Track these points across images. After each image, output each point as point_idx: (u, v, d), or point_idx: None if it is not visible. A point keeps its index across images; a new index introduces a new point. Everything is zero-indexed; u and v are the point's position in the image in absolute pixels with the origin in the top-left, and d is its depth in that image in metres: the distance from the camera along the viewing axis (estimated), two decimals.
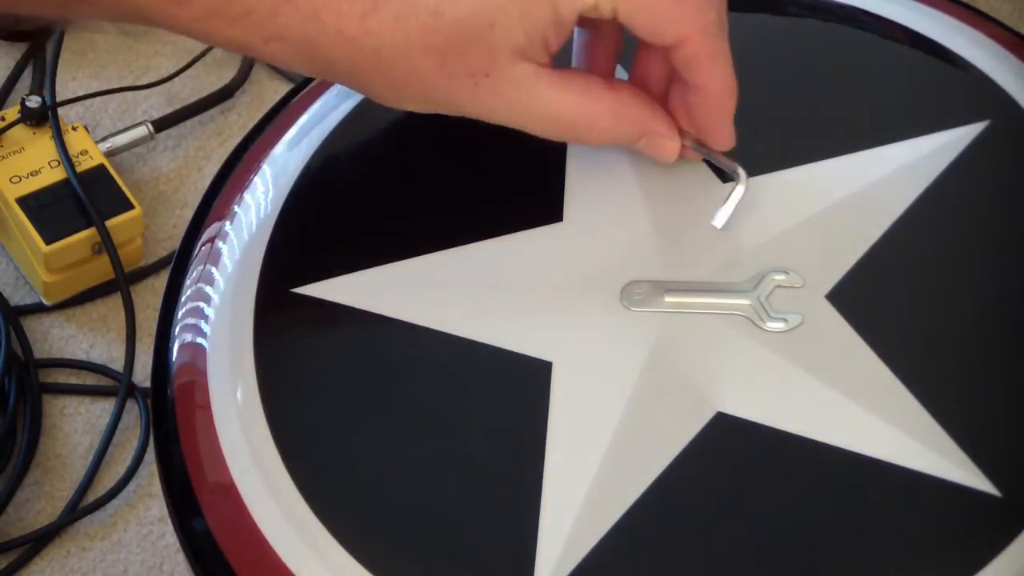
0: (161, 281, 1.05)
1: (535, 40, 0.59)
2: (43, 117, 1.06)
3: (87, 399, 1.02)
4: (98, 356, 1.04)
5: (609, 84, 0.62)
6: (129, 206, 1.04)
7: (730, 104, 0.63)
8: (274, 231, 0.65)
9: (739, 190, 0.63)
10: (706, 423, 0.59)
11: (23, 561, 0.95)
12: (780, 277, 0.62)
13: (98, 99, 1.13)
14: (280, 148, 0.68)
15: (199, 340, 0.63)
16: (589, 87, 0.61)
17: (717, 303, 0.61)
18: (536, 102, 0.60)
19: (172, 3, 0.58)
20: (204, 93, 1.13)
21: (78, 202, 1.03)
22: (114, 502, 0.97)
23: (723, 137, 0.63)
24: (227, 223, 0.66)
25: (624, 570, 0.56)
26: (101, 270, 1.04)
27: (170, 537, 0.96)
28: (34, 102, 1.06)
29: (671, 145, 0.63)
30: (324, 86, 0.71)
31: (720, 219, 0.63)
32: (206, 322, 0.63)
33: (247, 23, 0.59)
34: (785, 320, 0.61)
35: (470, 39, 0.58)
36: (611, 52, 0.65)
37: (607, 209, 0.65)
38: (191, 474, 0.60)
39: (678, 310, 0.62)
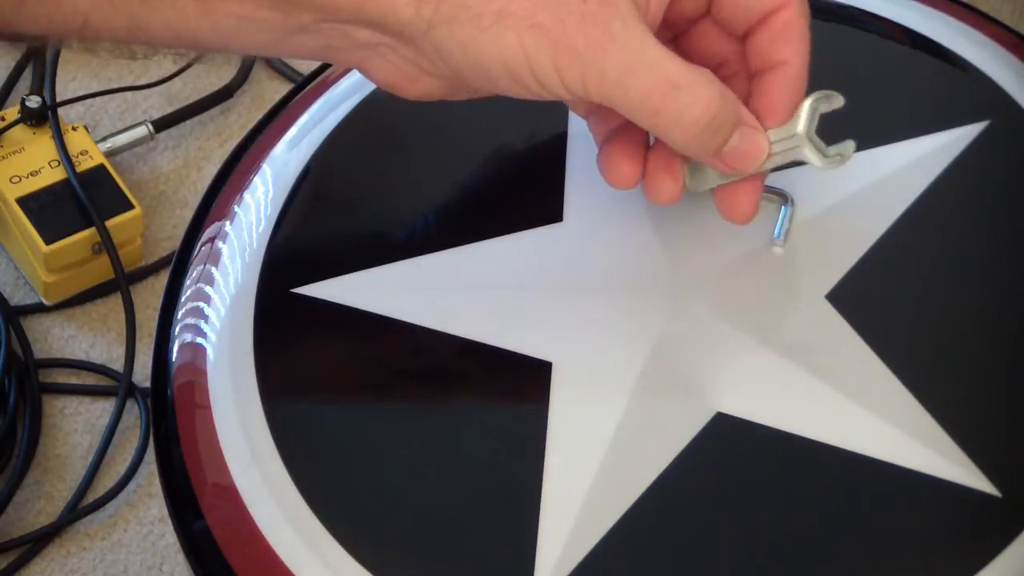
0: (161, 281, 1.05)
1: None
2: (43, 117, 1.06)
3: (87, 399, 1.02)
4: (98, 356, 1.03)
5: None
6: (129, 206, 1.04)
7: (804, 85, 0.60)
8: (274, 231, 0.65)
9: (787, 207, 0.64)
10: (706, 423, 0.59)
11: (23, 561, 0.95)
12: (820, 104, 0.59)
13: (98, 99, 1.13)
14: (280, 148, 0.68)
15: (199, 340, 0.63)
16: (685, 60, 0.56)
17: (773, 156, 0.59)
18: (641, 46, 0.55)
19: None
20: (204, 93, 1.13)
21: (78, 202, 1.03)
22: (114, 502, 0.97)
23: (788, 114, 0.59)
24: (227, 223, 0.66)
25: (624, 570, 0.56)
26: (101, 270, 1.04)
27: (170, 537, 0.96)
28: (34, 102, 1.06)
29: (763, 141, 0.58)
30: (324, 86, 0.71)
31: (779, 233, 0.63)
32: (206, 322, 0.63)
33: None
34: (841, 154, 0.59)
35: None
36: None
37: (607, 209, 0.65)
38: (191, 474, 0.60)
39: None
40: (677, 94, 0.56)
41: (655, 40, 0.56)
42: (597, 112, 0.62)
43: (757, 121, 0.59)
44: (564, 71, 0.55)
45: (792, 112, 0.59)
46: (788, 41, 0.59)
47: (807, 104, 0.59)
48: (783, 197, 0.64)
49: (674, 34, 0.62)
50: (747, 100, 0.59)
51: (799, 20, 0.59)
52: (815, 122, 0.59)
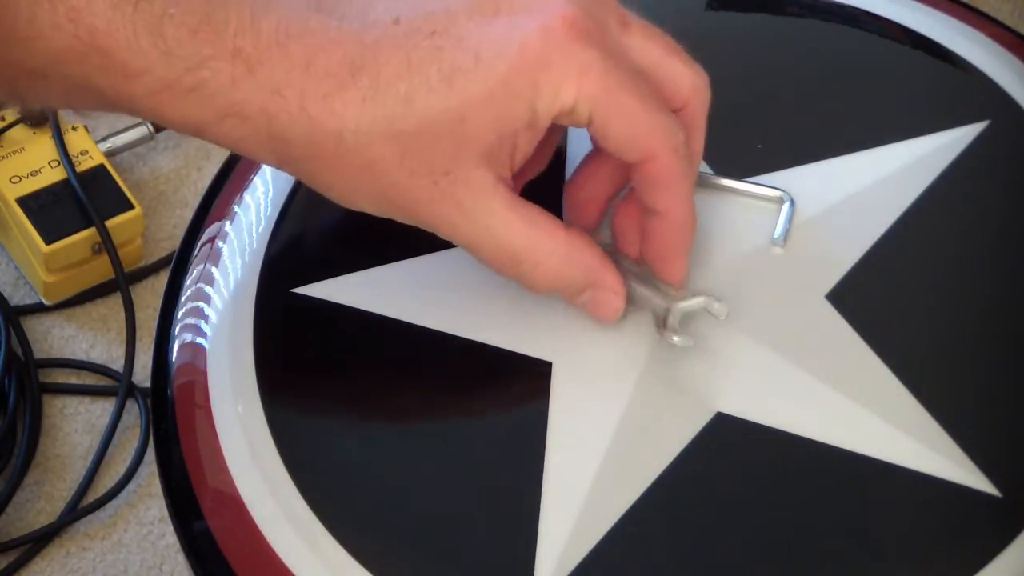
0: (161, 281, 1.05)
1: (505, 142, 0.56)
2: (43, 117, 1.06)
3: (87, 399, 1.02)
4: (98, 356, 1.04)
5: (564, 225, 0.58)
6: (129, 206, 1.04)
7: (688, 235, 0.59)
8: (274, 231, 0.65)
9: (787, 207, 0.64)
10: (706, 423, 0.59)
11: (23, 561, 0.95)
12: (708, 301, 0.61)
13: None
14: None
15: (199, 340, 0.63)
16: (543, 221, 0.58)
17: (640, 291, 0.61)
18: (488, 221, 0.57)
19: (123, 78, 0.55)
20: None
21: (78, 202, 1.03)
22: (114, 502, 0.97)
23: (676, 270, 0.60)
24: (227, 223, 0.66)
25: (624, 570, 0.56)
26: (101, 270, 1.04)
27: (170, 537, 0.96)
28: None
29: (617, 303, 0.60)
30: None
31: (779, 233, 0.64)
32: (206, 322, 0.63)
33: (201, 97, 0.55)
34: (679, 336, 0.60)
35: (438, 132, 0.55)
36: (608, 187, 0.62)
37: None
38: (191, 474, 0.60)
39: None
40: (518, 266, 0.58)
41: (506, 207, 0.57)
42: None
43: (617, 281, 0.60)
44: (426, 228, 0.58)
45: (675, 269, 0.60)
46: (659, 191, 0.58)
47: (699, 300, 0.61)
48: (783, 197, 0.64)
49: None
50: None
51: (669, 171, 0.58)
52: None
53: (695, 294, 0.61)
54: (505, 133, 0.56)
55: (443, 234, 0.58)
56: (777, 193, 0.64)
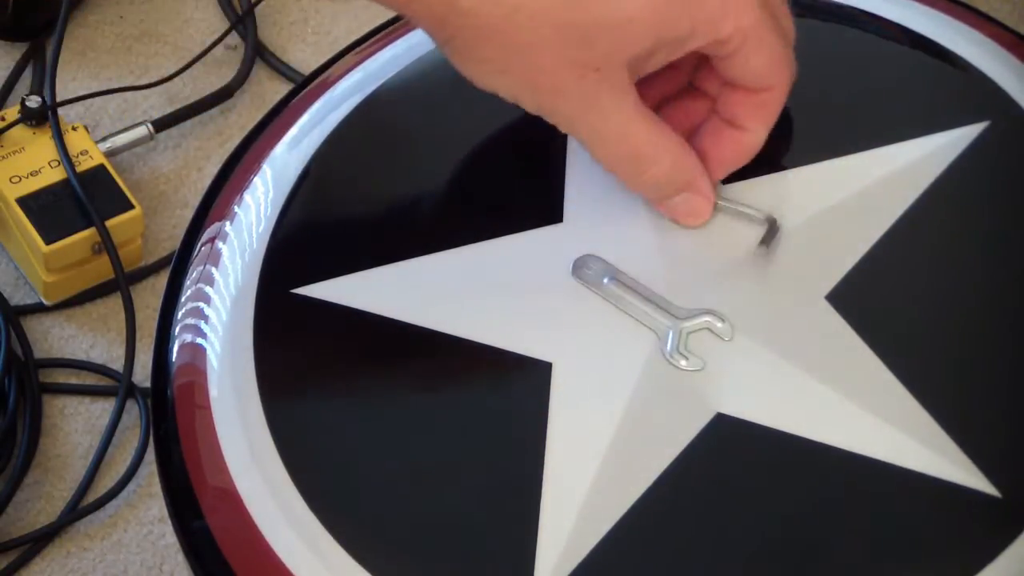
0: (161, 281, 1.05)
1: (655, 50, 0.59)
2: (43, 117, 1.06)
3: (87, 399, 1.02)
4: (98, 356, 1.03)
5: (671, 129, 0.62)
6: (129, 206, 1.04)
7: (753, 155, 0.64)
8: (274, 231, 0.65)
9: (776, 225, 0.64)
10: (706, 423, 0.59)
11: (23, 561, 0.95)
12: (712, 320, 0.61)
13: (98, 99, 1.13)
14: (280, 148, 0.68)
15: (199, 340, 0.63)
16: (662, 125, 0.61)
17: (643, 311, 0.62)
18: (619, 118, 0.60)
19: None
20: (204, 93, 1.13)
21: (78, 202, 1.03)
22: (114, 502, 0.97)
23: (722, 175, 0.64)
24: (227, 223, 0.66)
25: (624, 570, 0.56)
26: (101, 270, 1.04)
27: (170, 537, 0.96)
28: (34, 102, 1.06)
29: (706, 208, 0.63)
30: (324, 86, 0.71)
31: (768, 244, 0.64)
32: (206, 322, 0.63)
33: None
34: (687, 359, 0.60)
35: (604, 29, 0.57)
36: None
37: (607, 209, 0.65)
38: (191, 474, 0.60)
39: (609, 298, 0.62)
40: (634, 163, 0.61)
41: (636, 109, 0.60)
42: None
43: (710, 188, 0.63)
44: (548, 117, 0.60)
45: (727, 169, 0.64)
46: (761, 115, 0.63)
47: (702, 320, 0.61)
48: (767, 219, 0.64)
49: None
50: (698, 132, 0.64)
51: (780, 100, 0.62)
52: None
53: (698, 312, 0.61)
54: (662, 41, 0.59)
55: (566, 126, 0.61)
56: (761, 215, 0.64)
